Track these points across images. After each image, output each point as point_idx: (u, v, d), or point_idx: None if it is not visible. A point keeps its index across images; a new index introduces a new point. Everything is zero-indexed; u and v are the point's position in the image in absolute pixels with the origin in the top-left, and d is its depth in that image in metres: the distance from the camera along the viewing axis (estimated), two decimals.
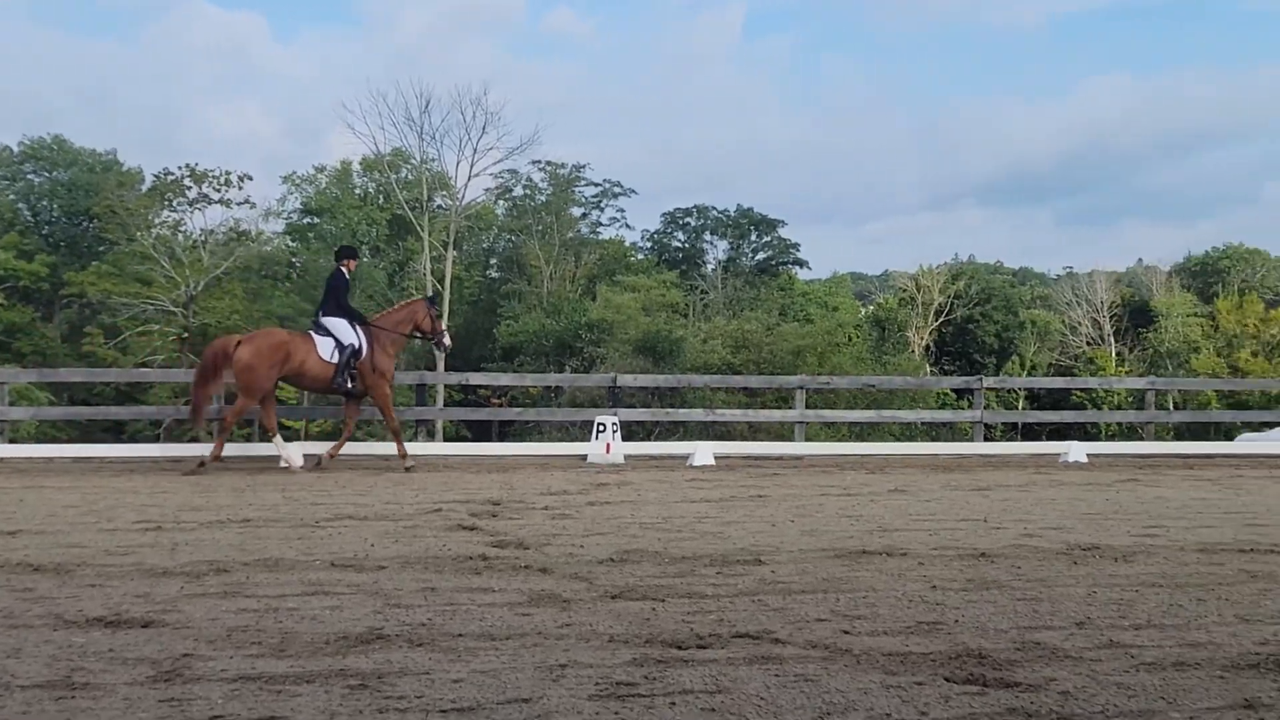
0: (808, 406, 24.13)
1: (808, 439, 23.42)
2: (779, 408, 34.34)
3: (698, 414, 25.16)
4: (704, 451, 19.19)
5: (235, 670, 5.90)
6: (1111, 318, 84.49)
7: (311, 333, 17.80)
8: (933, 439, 43.79)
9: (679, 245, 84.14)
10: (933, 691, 5.63)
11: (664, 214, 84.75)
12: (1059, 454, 20.25)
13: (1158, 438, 27.76)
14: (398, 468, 17.37)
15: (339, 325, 17.73)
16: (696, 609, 7.39)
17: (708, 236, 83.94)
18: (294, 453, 17.56)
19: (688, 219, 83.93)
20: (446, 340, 18.99)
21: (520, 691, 5.56)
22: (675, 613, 7.27)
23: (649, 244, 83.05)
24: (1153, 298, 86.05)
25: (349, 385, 17.70)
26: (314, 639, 6.51)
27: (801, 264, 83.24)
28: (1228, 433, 52.64)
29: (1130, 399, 62.12)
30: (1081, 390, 59.69)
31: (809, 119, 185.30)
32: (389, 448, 18.88)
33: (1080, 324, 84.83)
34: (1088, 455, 20.00)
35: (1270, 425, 24.57)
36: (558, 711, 5.27)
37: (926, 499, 13.90)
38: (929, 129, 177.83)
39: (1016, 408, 68.30)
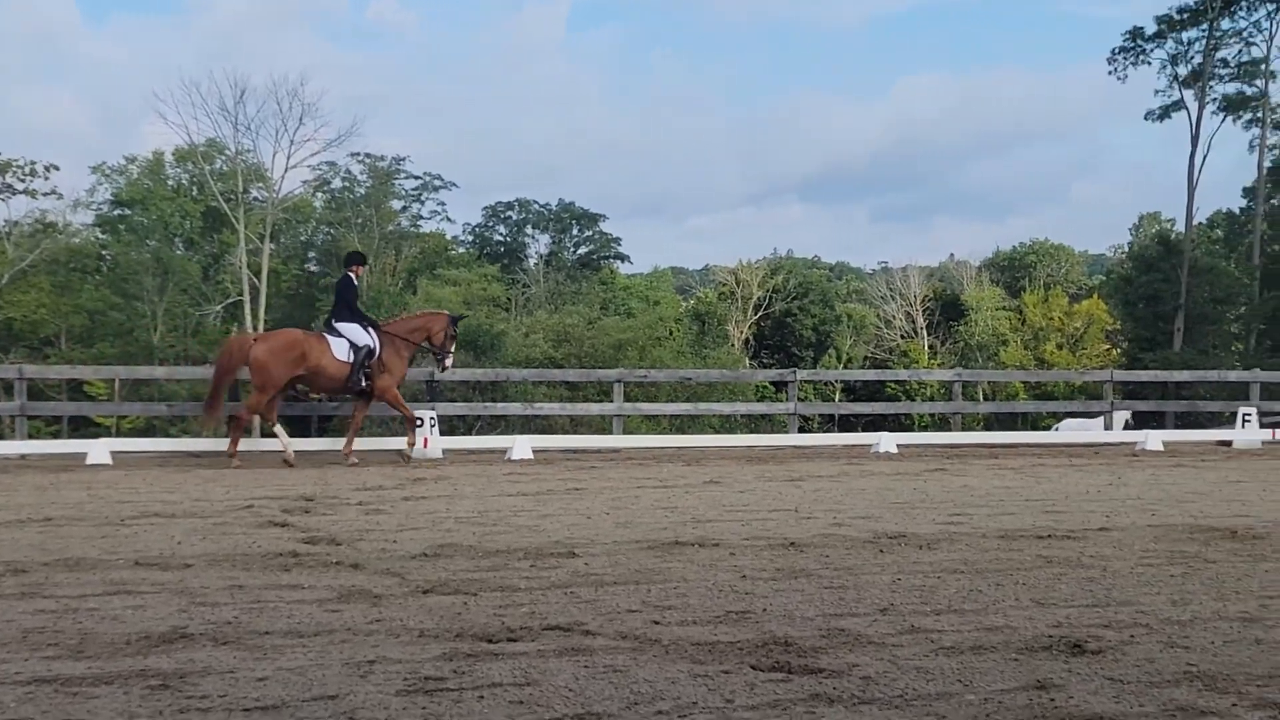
0: (627, 400, 24.26)
1: (628, 432, 23.53)
2: (599, 401, 34.43)
3: (516, 408, 25.09)
4: (522, 445, 19.19)
5: (30, 673, 5.73)
6: (924, 311, 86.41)
7: (325, 334, 18.19)
8: (753, 431, 44.34)
9: (501, 239, 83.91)
10: (739, 680, 5.71)
11: (485, 207, 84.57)
12: (870, 445, 20.68)
13: (968, 428, 28.50)
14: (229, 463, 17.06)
15: (351, 329, 18.16)
16: (508, 602, 7.39)
17: (530, 230, 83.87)
18: (289, 445, 17.95)
19: (509, 213, 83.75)
20: (448, 362, 19.25)
21: (327, 689, 5.50)
22: (487, 606, 7.26)
23: (470, 238, 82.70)
24: (964, 292, 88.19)
25: (363, 384, 18.11)
26: (114, 639, 6.36)
27: (623, 258, 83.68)
28: (1034, 423, 54.32)
29: (941, 391, 63.68)
30: (895, 383, 60.91)
31: (633, 113, 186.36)
32: (199, 444, 18.55)
33: (894, 317, 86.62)
34: (898, 446, 20.46)
35: (1091, 415, 25.36)
36: (364, 708, 5.22)
37: (740, 490, 14.09)
38: (751, 125, 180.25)
39: (833, 400, 69.50)
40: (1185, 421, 43.43)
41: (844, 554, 9.28)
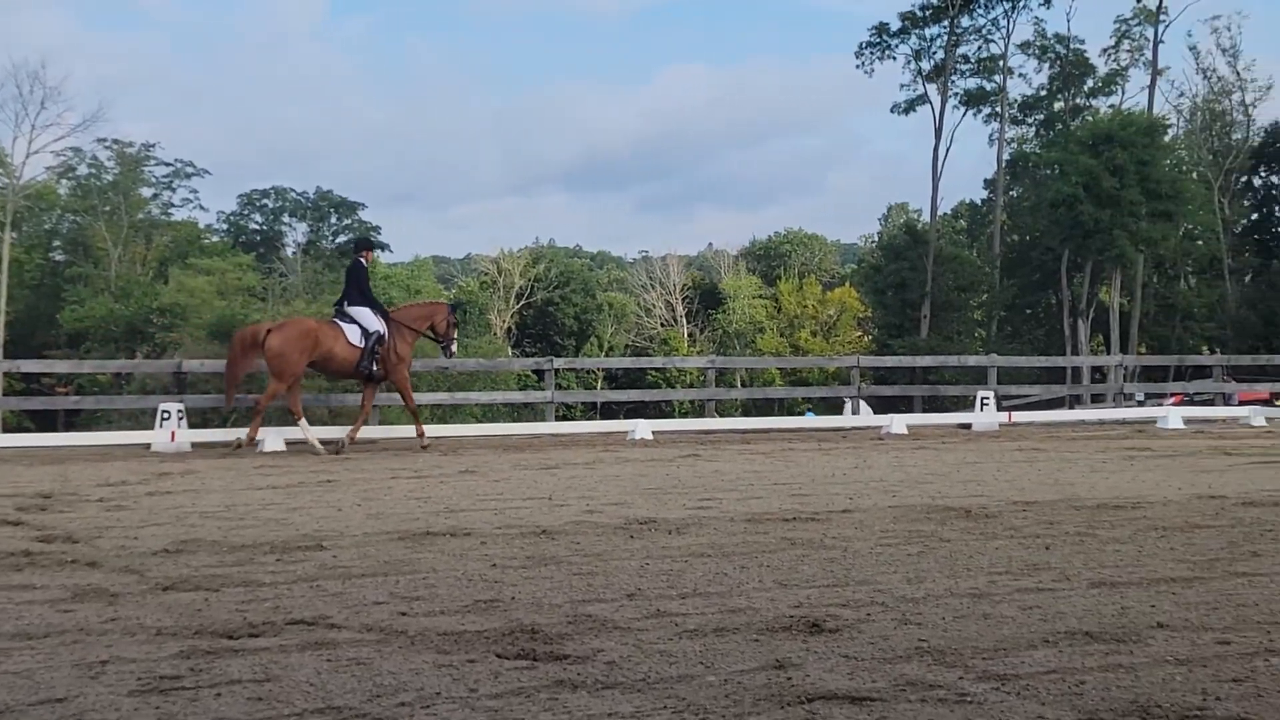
0: (385, 390, 23.99)
1: (386, 422, 23.29)
2: (360, 391, 33.92)
3: None
4: (275, 437, 18.82)
5: None
6: (684, 300, 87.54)
7: (337, 320, 18.62)
8: (515, 420, 44.36)
9: (257, 228, 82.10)
10: (484, 668, 5.71)
11: (241, 196, 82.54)
12: (627, 432, 20.87)
13: (725, 414, 28.97)
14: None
15: (363, 313, 18.57)
16: (252, 597, 7.24)
17: (286, 219, 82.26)
18: (314, 435, 18.43)
19: (265, 201, 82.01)
20: (453, 349, 20.06)
21: (55, 691, 5.31)
22: (229, 602, 7.11)
23: (225, 226, 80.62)
24: (722, 280, 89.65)
25: (373, 369, 18.55)
26: None
27: (383, 247, 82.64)
28: (789, 408, 55.53)
29: (699, 377, 64.44)
30: (655, 370, 61.61)
31: (393, 100, 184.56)
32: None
33: (655, 306, 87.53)
34: (654, 432, 20.70)
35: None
36: (94, 710, 5.06)
37: (495, 479, 14.09)
38: (514, 113, 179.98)
39: (595, 388, 69.92)
40: (931, 405, 44.97)
41: (594, 540, 9.36)
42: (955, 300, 69.27)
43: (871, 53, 71.95)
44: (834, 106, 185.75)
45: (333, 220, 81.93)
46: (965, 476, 14.22)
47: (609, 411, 49.47)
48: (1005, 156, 71.71)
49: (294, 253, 78.78)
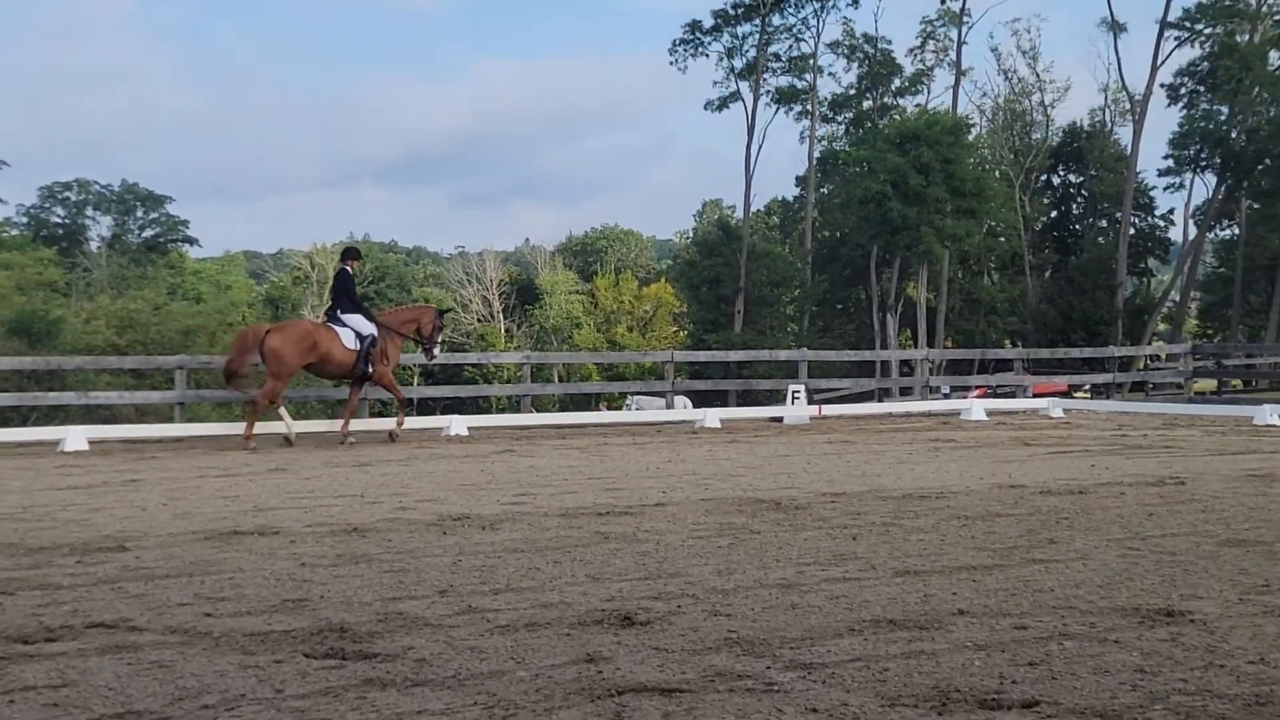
0: (200, 387, 23.51)
1: (199, 420, 22.76)
2: (170, 388, 33.13)
3: (70, 397, 23.91)
4: (76, 436, 18.27)
5: None
6: (501, 295, 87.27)
7: (332, 325, 19.42)
8: (331, 417, 43.68)
9: (58, 221, 79.56)
10: (291, 668, 5.62)
11: (41, 188, 79.88)
12: (442, 428, 20.74)
13: (543, 409, 28.98)
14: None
15: (355, 319, 19.53)
16: (49, 601, 7.03)
17: (90, 212, 79.92)
18: (292, 427, 19.26)
19: (68, 193, 79.52)
20: (436, 351, 20.88)
21: None
22: (25, 606, 6.88)
23: (25, 220, 77.98)
24: (539, 276, 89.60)
25: (367, 370, 19.43)
26: None
27: (192, 241, 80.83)
28: (607, 403, 55.71)
29: (517, 373, 64.38)
30: (473, 366, 61.19)
31: (204, 90, 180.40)
32: None
33: (472, 302, 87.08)
34: (469, 428, 20.59)
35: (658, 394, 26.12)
36: None
37: (306, 476, 13.88)
38: (329, 105, 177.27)
39: (411, 384, 69.28)
40: (745, 399, 45.54)
41: (407, 537, 9.28)
42: (768, 295, 70.30)
43: (685, 50, 72.65)
44: (650, 103, 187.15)
45: (139, 214, 79.91)
46: (776, 469, 14.43)
47: (425, 408, 49.09)
48: (816, 154, 73.02)
49: (98, 247, 76.58)
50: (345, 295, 19.86)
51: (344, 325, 19.36)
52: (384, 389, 20.35)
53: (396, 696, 5.20)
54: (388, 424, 20.88)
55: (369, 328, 19.47)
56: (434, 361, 21.78)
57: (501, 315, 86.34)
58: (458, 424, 20.52)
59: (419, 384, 67.77)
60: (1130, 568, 8.01)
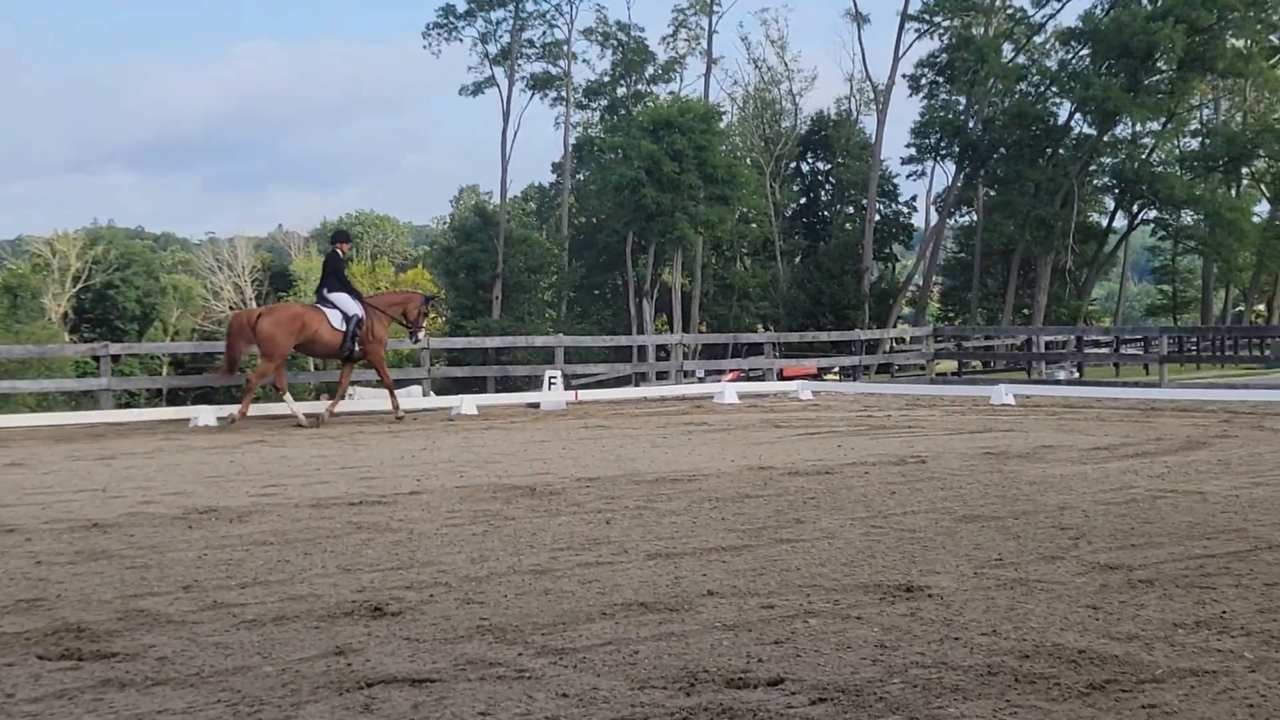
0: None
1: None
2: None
3: None
4: None
5: None
6: (253, 282, 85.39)
7: (320, 306, 20.03)
8: (75, 409, 42.11)
9: None
10: (24, 671, 5.41)
11: None
12: (189, 419, 20.16)
13: (300, 397, 28.39)
14: None
15: (342, 299, 20.07)
16: None
17: None
18: (299, 409, 19.76)
19: None
20: (420, 335, 21.75)
21: None
22: None
23: None
24: (292, 262, 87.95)
25: (354, 350, 20.07)
26: None
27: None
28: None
29: None
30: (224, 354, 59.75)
31: None
32: None
33: (223, 289, 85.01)
34: (219, 418, 20.06)
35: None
36: None
37: (45, 472, 13.34)
38: (75, 87, 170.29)
39: (161, 374, 67.28)
40: (504, 386, 45.49)
41: (150, 532, 9.01)
42: (526, 282, 70.37)
43: (439, 34, 72.02)
44: (411, 88, 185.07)
45: None
46: (532, 455, 14.44)
47: (174, 397, 47.70)
48: (572, 141, 73.27)
49: None
50: (334, 275, 20.58)
51: (332, 306, 19.97)
52: (374, 369, 21.09)
53: (136, 697, 5.05)
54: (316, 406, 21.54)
55: (355, 308, 20.08)
56: (416, 342, 22.57)
57: (255, 302, 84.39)
58: (206, 414, 19.94)
59: (168, 373, 65.90)
60: (873, 545, 8.27)
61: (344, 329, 19.84)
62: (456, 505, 10.27)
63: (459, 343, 40.03)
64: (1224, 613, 6.33)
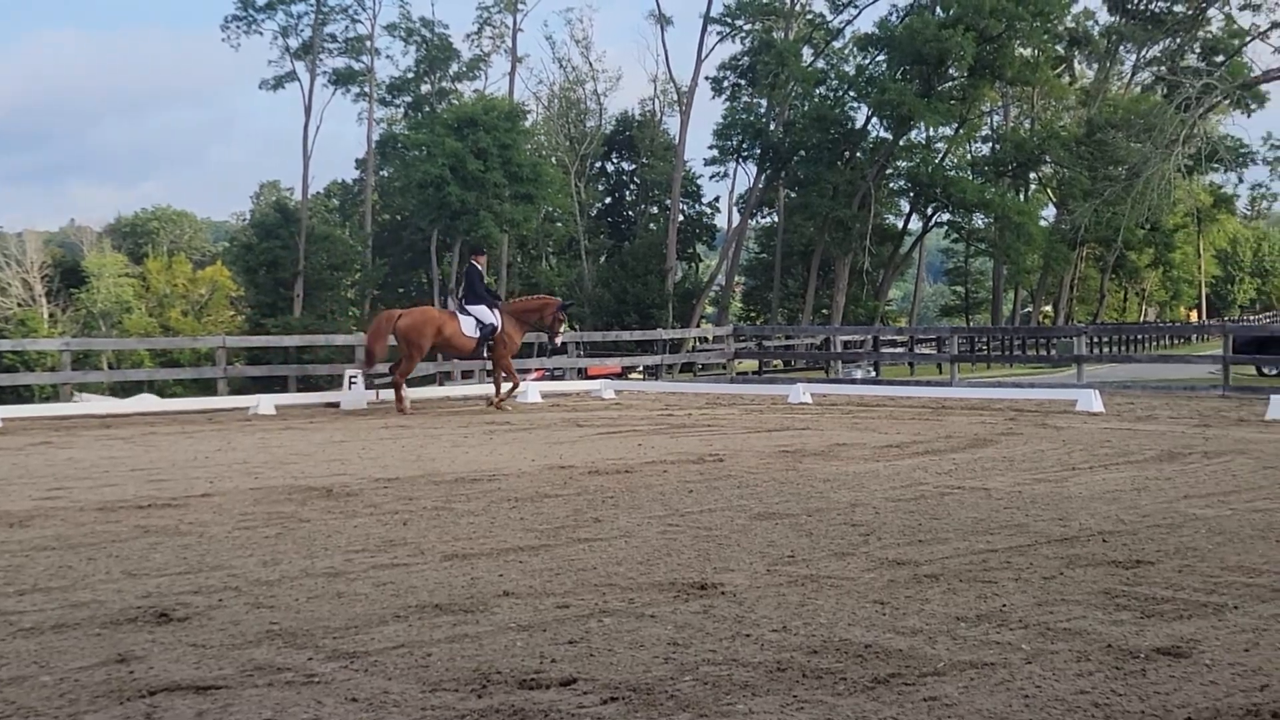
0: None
1: None
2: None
3: None
4: None
5: None
6: (43, 278, 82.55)
7: (457, 312, 21.86)
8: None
9: None
10: None
11: None
12: None
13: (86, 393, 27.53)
14: None
15: (480, 310, 21.76)
16: None
17: None
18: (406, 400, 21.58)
19: None
20: (558, 341, 23.19)
21: None
22: None
23: None
24: (85, 258, 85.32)
25: (486, 353, 22.04)
26: None
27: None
28: (161, 389, 53.59)
29: (59, 360, 61.03)
30: (14, 353, 57.57)
31: None
32: None
33: (10, 285, 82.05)
34: (3, 420, 19.35)
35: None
36: None
37: None
38: None
39: None
40: (306, 385, 44.75)
41: None
42: (329, 279, 69.35)
43: (238, 26, 70.50)
44: (214, 81, 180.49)
45: None
46: (330, 455, 14.24)
47: None
48: (375, 137, 72.42)
49: None
50: (470, 289, 22.27)
51: (468, 314, 21.65)
52: (501, 369, 22.30)
53: None
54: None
55: (490, 318, 21.65)
56: (554, 347, 24.35)
57: (44, 299, 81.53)
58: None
59: None
60: (669, 543, 8.34)
61: (477, 335, 21.60)
62: (250, 507, 10.07)
63: (258, 341, 39.33)
64: (1004, 606, 6.54)
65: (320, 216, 77.30)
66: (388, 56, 75.28)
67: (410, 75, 73.49)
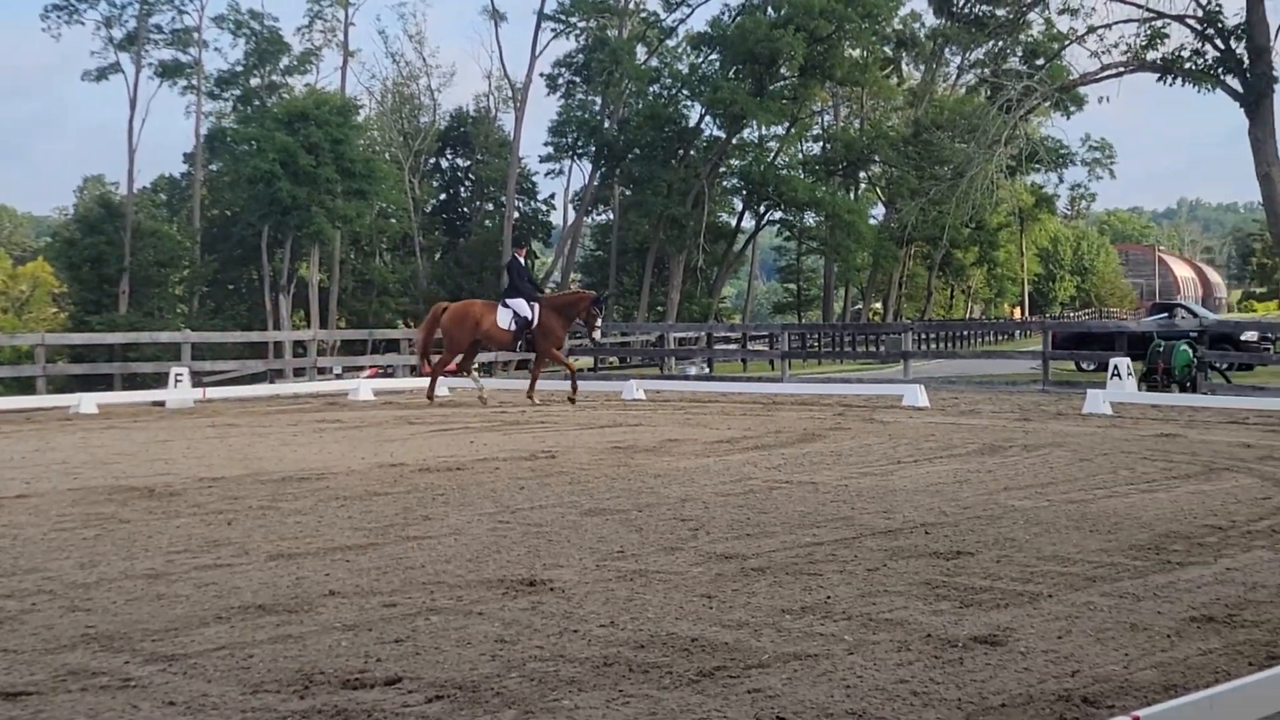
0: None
1: None
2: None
3: None
4: None
5: None
6: None
7: (498, 305, 22.05)
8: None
9: None
10: None
11: None
12: None
13: None
14: None
15: (518, 303, 21.87)
16: None
17: None
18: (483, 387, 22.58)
19: None
20: (596, 335, 23.22)
21: None
22: None
23: None
24: None
25: (525, 346, 22.57)
26: None
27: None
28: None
29: None
30: None
31: None
32: None
33: None
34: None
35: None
36: None
37: None
38: None
39: None
40: (132, 383, 43.68)
41: None
42: (156, 275, 67.70)
43: (58, 16, 68.39)
44: (36, 71, 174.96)
45: None
46: (153, 455, 13.91)
47: None
48: (204, 131, 70.90)
49: None
50: (512, 281, 22.55)
51: (506, 307, 21.81)
52: (552, 362, 23.04)
53: None
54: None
55: (526, 311, 21.70)
56: (593, 342, 25.08)
57: None
58: None
59: None
60: (499, 540, 8.32)
61: (512, 329, 21.81)
62: (68, 509, 9.80)
63: (80, 339, 38.32)
64: (828, 598, 6.65)
65: (147, 211, 75.33)
66: (216, 49, 73.36)
67: (239, 69, 72.01)
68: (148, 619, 6.22)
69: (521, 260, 23.63)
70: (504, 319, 21.91)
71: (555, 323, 22.07)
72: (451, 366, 22.99)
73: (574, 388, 22.34)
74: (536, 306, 22.00)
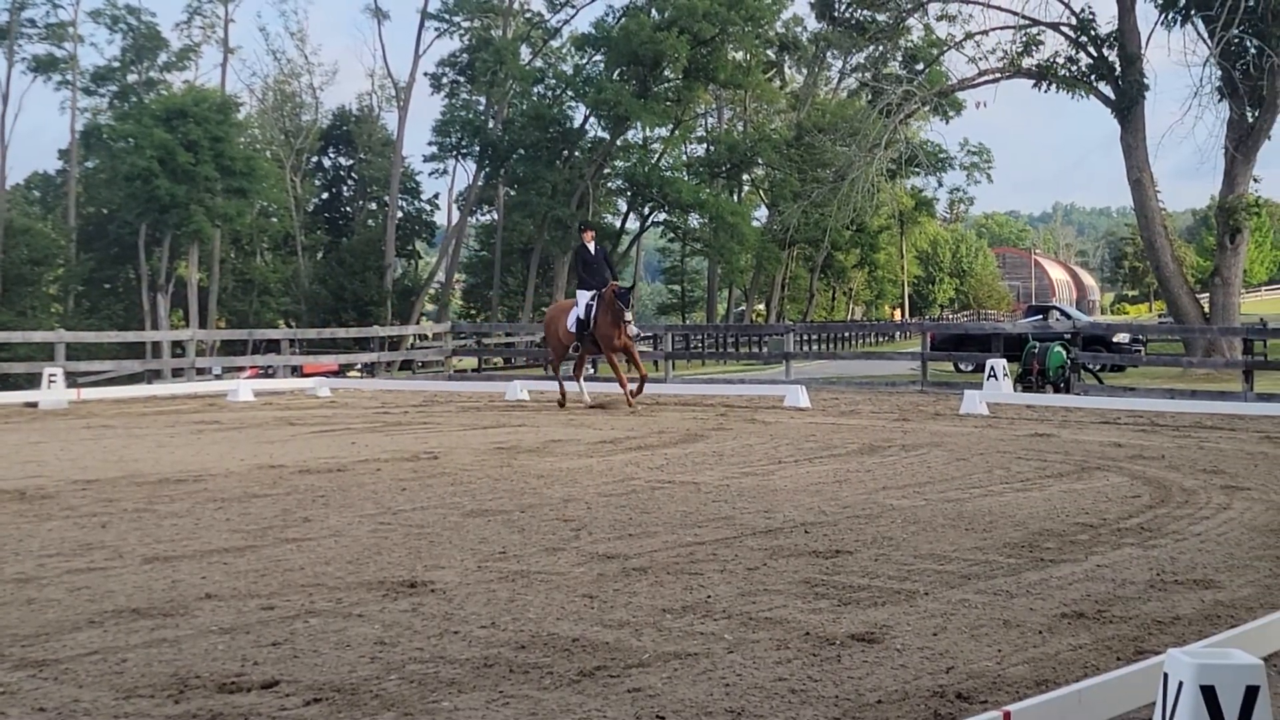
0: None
1: None
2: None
3: None
4: None
5: None
6: None
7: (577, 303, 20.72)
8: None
9: None
10: None
11: None
12: None
13: None
14: None
15: (583, 297, 20.44)
16: None
17: None
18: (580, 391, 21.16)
19: None
20: (632, 329, 20.37)
21: None
22: None
23: None
24: None
25: (588, 345, 20.66)
26: None
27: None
28: None
29: None
30: None
31: None
32: None
33: None
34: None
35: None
36: None
37: None
38: None
39: None
40: (2, 384, 42.72)
41: None
42: (28, 274, 66.23)
43: None
44: None
45: None
46: (25, 457, 13.62)
47: None
48: (79, 127, 69.56)
49: None
50: (576, 273, 21.91)
51: (579, 304, 20.54)
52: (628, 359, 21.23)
53: None
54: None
55: (582, 309, 20.34)
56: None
57: None
58: None
59: None
60: (380, 542, 8.27)
61: (573, 330, 20.55)
62: None
63: None
64: (709, 597, 6.70)
65: (20, 209, 73.73)
66: (92, 44, 72.31)
67: (116, 64, 70.75)
68: (17, 624, 6.10)
69: (585, 245, 20.99)
70: (571, 318, 20.57)
71: (605, 319, 20.10)
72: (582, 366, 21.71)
73: (634, 389, 20.67)
74: (595, 304, 20.22)
